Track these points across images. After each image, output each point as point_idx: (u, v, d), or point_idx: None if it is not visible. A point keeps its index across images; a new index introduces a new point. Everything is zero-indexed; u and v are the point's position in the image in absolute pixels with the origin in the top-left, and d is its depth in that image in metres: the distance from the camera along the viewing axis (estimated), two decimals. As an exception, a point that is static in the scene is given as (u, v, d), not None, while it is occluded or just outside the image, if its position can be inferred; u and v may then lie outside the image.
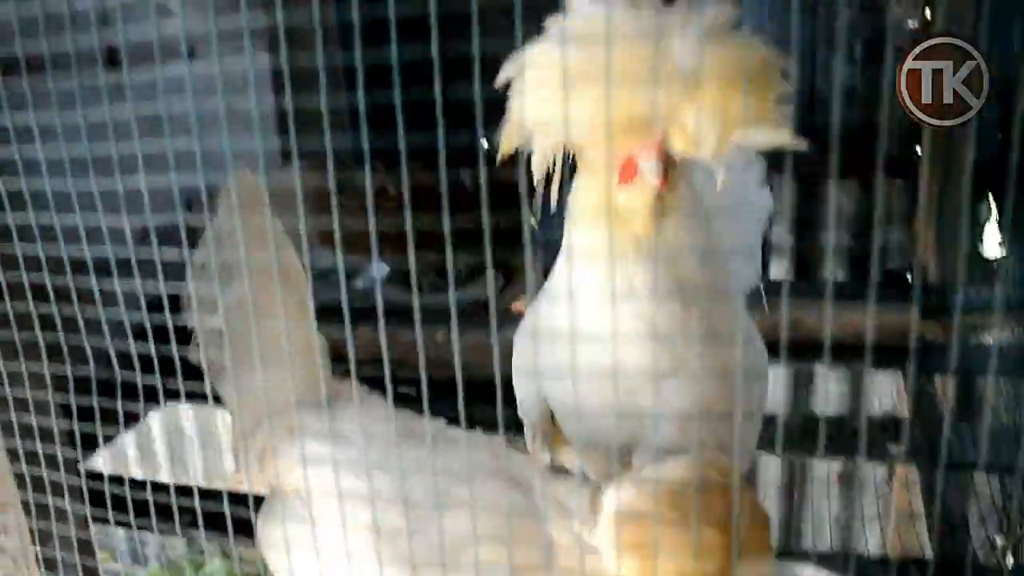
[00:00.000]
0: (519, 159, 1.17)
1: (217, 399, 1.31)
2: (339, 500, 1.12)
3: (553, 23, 1.09)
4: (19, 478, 1.44)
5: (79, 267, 1.30)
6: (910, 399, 2.07)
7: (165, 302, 1.29)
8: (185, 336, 1.28)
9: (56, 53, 1.19)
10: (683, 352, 1.11)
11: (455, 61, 1.01)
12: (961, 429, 1.97)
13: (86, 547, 1.48)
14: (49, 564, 1.47)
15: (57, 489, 1.41)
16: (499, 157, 1.19)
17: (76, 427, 1.36)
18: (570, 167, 1.25)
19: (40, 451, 1.40)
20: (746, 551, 0.98)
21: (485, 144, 1.22)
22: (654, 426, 1.12)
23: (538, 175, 1.18)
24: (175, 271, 1.27)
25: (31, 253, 1.33)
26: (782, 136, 1.05)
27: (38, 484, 1.41)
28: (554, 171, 1.18)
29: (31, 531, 1.46)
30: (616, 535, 1.01)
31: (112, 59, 1.22)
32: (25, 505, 1.44)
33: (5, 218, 1.32)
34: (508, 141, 1.17)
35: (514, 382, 1.41)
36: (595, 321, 1.07)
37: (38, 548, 1.46)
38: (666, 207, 1.13)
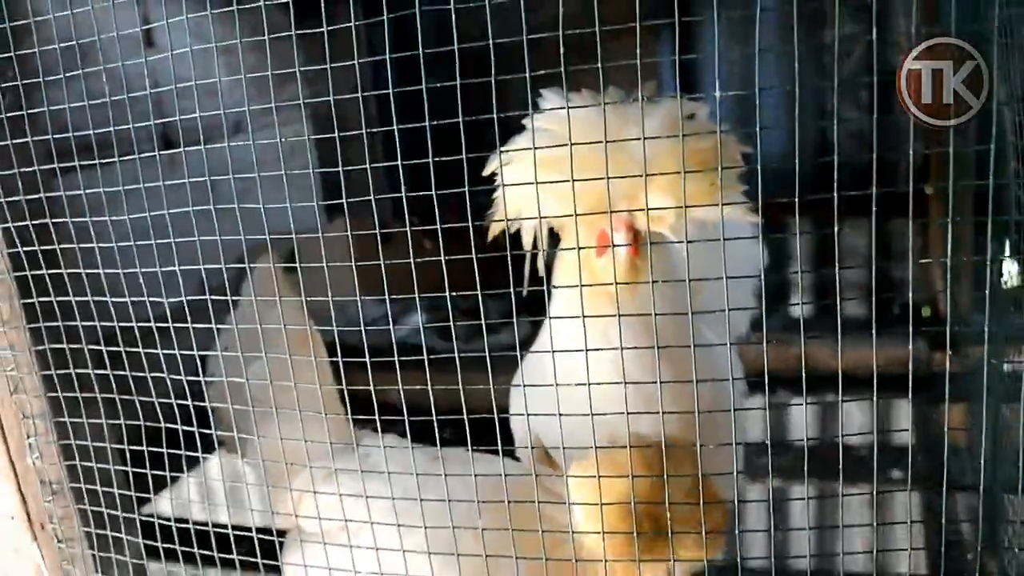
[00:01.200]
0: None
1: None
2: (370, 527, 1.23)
3: (527, 120, 1.25)
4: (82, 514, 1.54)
5: (133, 330, 1.38)
6: (917, 427, 2.08)
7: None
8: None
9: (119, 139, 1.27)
10: (655, 394, 1.16)
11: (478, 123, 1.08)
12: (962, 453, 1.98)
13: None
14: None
15: (115, 524, 1.51)
16: (489, 236, 1.30)
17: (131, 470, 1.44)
18: (554, 239, 1.37)
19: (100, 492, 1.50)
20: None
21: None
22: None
23: (526, 246, 1.37)
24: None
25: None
26: (734, 212, 1.17)
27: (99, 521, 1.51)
28: (538, 245, 1.38)
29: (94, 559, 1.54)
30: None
31: (167, 142, 1.30)
32: (88, 536, 1.55)
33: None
34: (496, 223, 1.35)
35: (511, 425, 1.53)
36: (577, 371, 1.15)
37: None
38: (639, 273, 1.29)
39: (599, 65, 1.03)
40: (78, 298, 1.40)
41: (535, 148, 1.09)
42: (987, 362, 1.38)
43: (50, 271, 1.40)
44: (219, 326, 1.46)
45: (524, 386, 1.22)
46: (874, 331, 1.03)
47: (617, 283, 1.18)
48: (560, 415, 1.14)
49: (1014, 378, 1.39)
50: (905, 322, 1.11)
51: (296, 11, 1.11)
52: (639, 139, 1.06)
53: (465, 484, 1.22)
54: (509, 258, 1.14)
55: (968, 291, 2.39)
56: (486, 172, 1.29)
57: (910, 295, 1.14)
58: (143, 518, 1.49)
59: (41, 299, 1.43)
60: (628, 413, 1.13)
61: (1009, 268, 1.54)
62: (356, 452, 1.40)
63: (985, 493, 1.42)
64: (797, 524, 2.10)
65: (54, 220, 1.38)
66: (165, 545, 1.46)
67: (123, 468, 1.48)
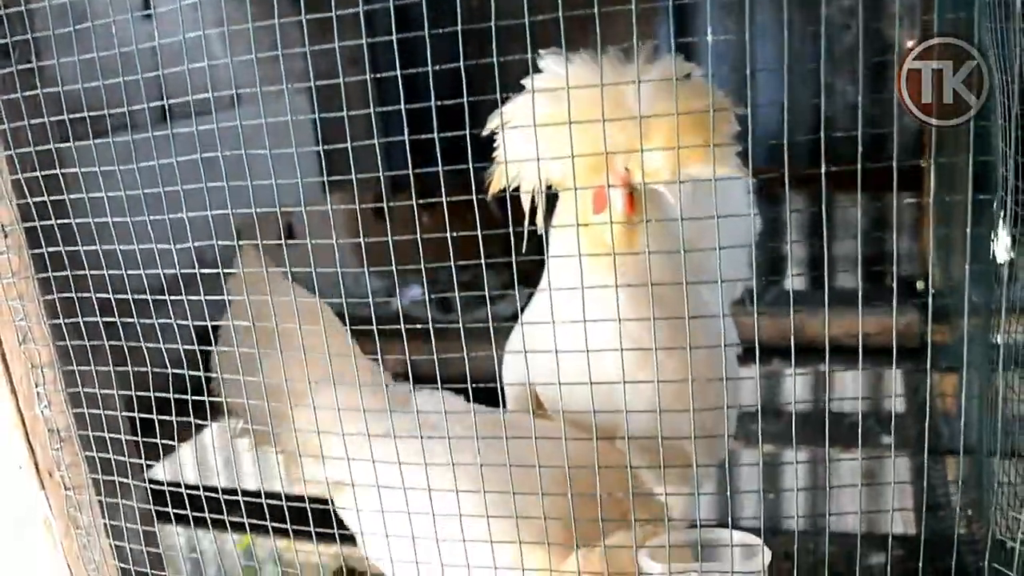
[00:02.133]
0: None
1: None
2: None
3: (527, 80, 1.26)
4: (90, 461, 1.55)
5: (140, 292, 1.39)
6: (909, 395, 2.10)
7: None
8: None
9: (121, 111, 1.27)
10: (651, 350, 1.21)
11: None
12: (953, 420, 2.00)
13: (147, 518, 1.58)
14: (116, 534, 1.57)
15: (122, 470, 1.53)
16: (488, 194, 1.31)
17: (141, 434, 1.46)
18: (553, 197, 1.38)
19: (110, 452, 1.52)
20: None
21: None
22: (626, 416, 1.20)
23: (525, 204, 1.37)
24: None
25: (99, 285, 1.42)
26: (728, 169, 1.18)
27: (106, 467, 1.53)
28: (537, 203, 1.37)
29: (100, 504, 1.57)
30: None
31: (164, 114, 1.30)
32: (95, 483, 1.56)
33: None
34: (496, 181, 1.36)
35: (504, 374, 1.60)
36: (574, 325, 1.16)
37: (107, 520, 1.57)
38: (635, 228, 1.30)
39: (598, 32, 1.02)
40: (86, 247, 1.41)
41: (534, 93, 1.12)
42: (966, 332, 1.39)
43: (59, 221, 1.41)
44: (218, 324, 1.48)
45: (524, 349, 1.22)
46: (860, 302, 1.04)
47: (614, 251, 1.20)
48: (559, 383, 1.16)
49: (1007, 349, 1.39)
50: (901, 294, 1.13)
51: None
52: (634, 82, 1.10)
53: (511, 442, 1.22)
54: (512, 230, 1.13)
55: (960, 264, 2.39)
56: (486, 131, 1.30)
57: (895, 268, 1.14)
58: (148, 467, 1.52)
59: (50, 249, 1.43)
60: (624, 381, 1.13)
61: (998, 243, 1.54)
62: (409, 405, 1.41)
63: (971, 457, 1.43)
64: (789, 487, 2.11)
65: (63, 171, 1.38)
66: (172, 492, 1.49)
67: (130, 414, 1.50)
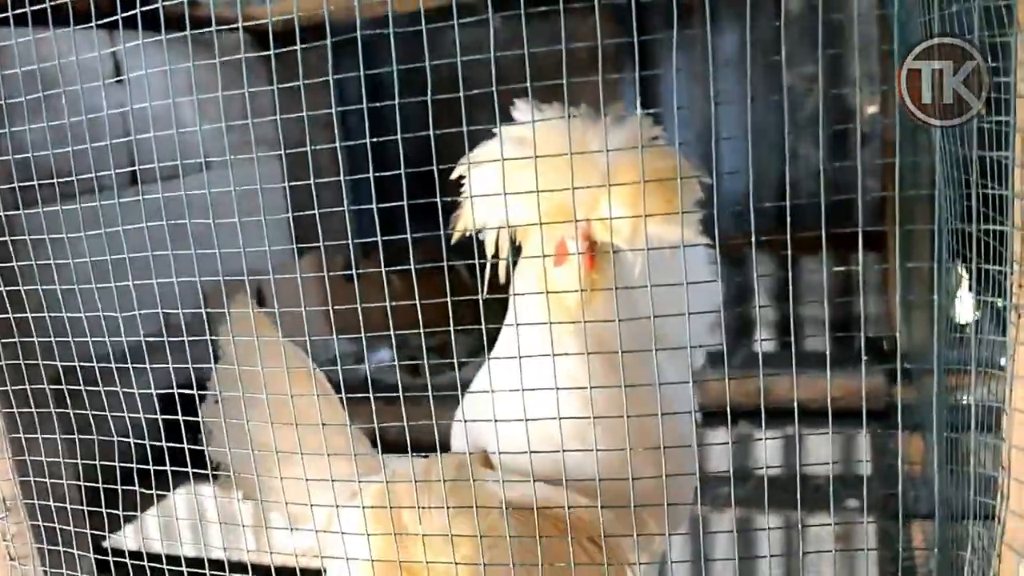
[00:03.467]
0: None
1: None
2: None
3: (497, 129, 1.22)
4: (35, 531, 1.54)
5: (101, 359, 1.36)
6: (875, 457, 2.10)
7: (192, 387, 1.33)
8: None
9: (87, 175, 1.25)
10: (606, 407, 1.22)
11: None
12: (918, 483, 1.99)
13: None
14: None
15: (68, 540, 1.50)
16: (453, 238, 1.30)
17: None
18: (516, 250, 1.37)
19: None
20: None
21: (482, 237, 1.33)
22: (579, 470, 1.21)
23: (488, 252, 1.36)
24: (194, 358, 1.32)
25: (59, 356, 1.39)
26: (690, 233, 1.18)
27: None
28: (498, 253, 1.36)
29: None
30: None
31: (134, 179, 1.29)
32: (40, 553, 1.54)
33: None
34: (461, 225, 1.34)
35: (453, 436, 1.59)
36: (530, 382, 1.17)
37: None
38: (595, 286, 1.29)
39: (563, 82, 1.02)
40: (35, 314, 1.39)
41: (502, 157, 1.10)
42: (936, 394, 1.38)
43: (7, 288, 1.39)
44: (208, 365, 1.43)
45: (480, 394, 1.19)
46: (828, 366, 1.03)
47: (576, 297, 1.23)
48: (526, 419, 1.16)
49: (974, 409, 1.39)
50: (868, 356, 1.13)
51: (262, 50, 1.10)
52: (602, 151, 1.09)
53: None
54: (481, 296, 1.13)
55: (925, 327, 2.41)
56: (453, 176, 1.30)
57: (862, 332, 1.13)
58: (102, 538, 1.47)
59: None
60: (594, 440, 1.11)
61: (961, 306, 1.55)
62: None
63: (940, 520, 1.42)
64: (760, 552, 2.09)
65: (13, 239, 1.37)
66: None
67: (76, 483, 1.47)
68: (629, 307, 1.19)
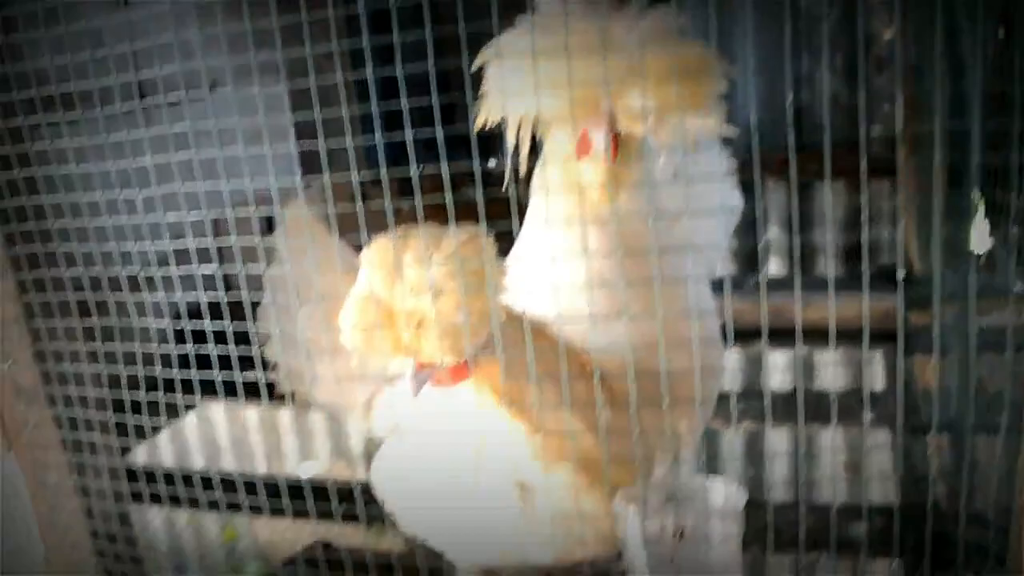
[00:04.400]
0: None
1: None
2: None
3: (522, 18, 1.20)
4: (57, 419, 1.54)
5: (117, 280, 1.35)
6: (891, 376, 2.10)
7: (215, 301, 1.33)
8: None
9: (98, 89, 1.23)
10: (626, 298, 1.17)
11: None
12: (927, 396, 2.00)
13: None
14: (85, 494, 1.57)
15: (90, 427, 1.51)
16: (477, 126, 1.28)
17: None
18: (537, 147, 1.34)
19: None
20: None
21: (491, 164, 1.30)
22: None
23: (511, 142, 1.29)
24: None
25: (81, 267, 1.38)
26: (713, 123, 1.17)
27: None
28: (520, 143, 1.29)
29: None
30: None
31: (142, 93, 1.27)
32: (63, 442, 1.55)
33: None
34: (484, 114, 1.28)
35: None
36: (552, 277, 1.14)
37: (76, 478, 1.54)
38: (620, 182, 1.24)
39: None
40: (51, 196, 1.36)
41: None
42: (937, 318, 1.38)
43: (23, 173, 1.36)
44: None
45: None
46: (831, 289, 1.02)
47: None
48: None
49: (985, 332, 1.39)
50: (880, 281, 1.12)
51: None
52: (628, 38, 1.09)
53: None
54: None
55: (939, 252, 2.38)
56: (476, 65, 1.24)
57: (865, 257, 1.12)
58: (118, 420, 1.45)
59: (14, 200, 1.39)
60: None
61: (975, 233, 1.53)
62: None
63: (950, 434, 1.42)
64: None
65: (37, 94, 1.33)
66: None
67: (96, 369, 1.43)
68: (651, 208, 1.17)
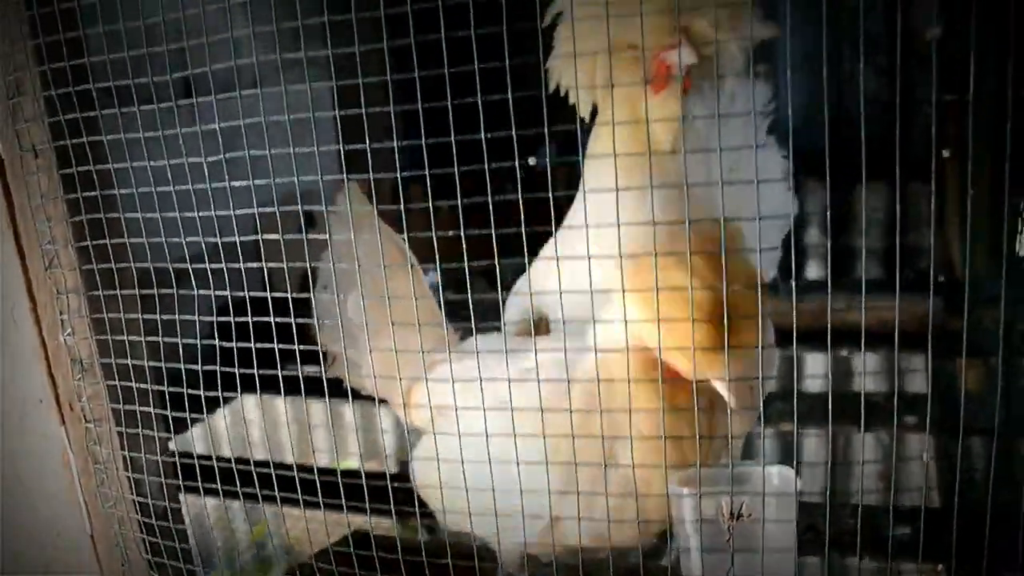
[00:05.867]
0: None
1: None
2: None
3: None
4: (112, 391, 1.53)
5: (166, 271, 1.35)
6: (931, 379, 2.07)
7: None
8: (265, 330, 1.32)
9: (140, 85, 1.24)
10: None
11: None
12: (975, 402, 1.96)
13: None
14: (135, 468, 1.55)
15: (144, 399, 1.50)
16: (550, 87, 1.33)
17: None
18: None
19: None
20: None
21: (531, 161, 1.29)
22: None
23: (586, 81, 1.31)
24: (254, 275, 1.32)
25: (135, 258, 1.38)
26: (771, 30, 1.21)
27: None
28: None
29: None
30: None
31: (188, 90, 1.27)
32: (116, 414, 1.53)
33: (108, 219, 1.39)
34: (556, 71, 1.34)
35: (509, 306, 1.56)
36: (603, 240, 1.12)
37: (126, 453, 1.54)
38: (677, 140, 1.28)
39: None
40: (117, 165, 1.35)
41: None
42: (967, 319, 1.36)
43: (90, 138, 1.35)
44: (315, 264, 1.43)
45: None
46: (863, 293, 1.00)
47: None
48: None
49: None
50: (921, 285, 1.13)
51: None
52: None
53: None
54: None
55: (983, 257, 2.33)
56: (548, 17, 1.28)
57: (898, 260, 1.09)
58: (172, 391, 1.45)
59: (80, 168, 1.38)
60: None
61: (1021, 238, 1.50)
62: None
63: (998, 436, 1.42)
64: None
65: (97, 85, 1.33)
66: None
67: (153, 339, 1.42)
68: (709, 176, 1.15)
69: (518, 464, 1.20)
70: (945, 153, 2.22)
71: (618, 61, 1.23)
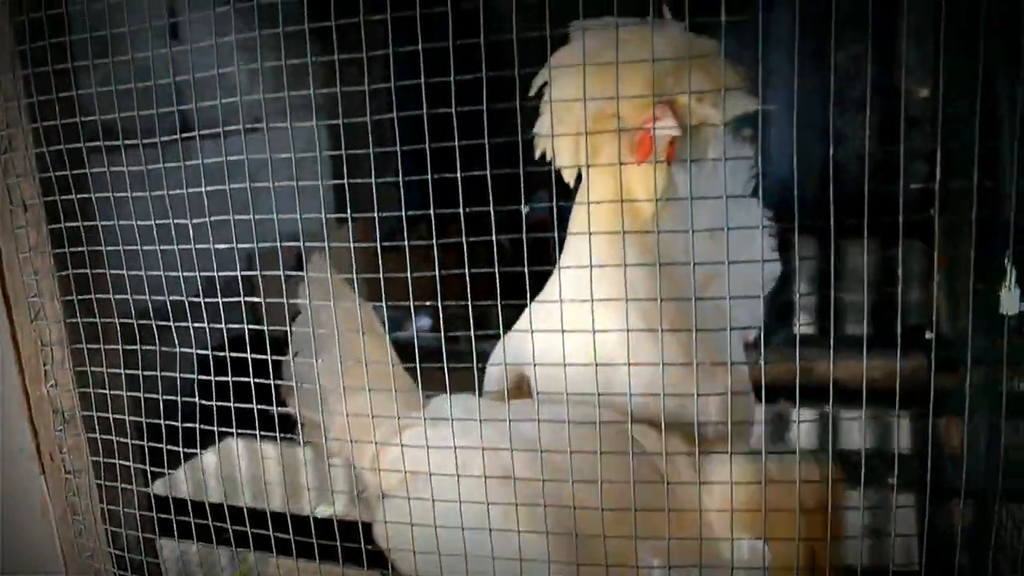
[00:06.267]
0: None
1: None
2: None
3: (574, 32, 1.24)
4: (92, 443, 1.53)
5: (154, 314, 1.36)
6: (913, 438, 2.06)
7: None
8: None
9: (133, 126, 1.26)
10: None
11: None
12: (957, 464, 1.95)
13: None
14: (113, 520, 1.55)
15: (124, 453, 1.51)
16: (536, 153, 1.34)
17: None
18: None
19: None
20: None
21: (526, 210, 1.30)
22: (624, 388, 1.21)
23: (569, 156, 1.33)
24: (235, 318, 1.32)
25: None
26: (750, 103, 1.23)
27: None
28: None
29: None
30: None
31: (184, 129, 1.29)
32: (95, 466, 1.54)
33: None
34: (541, 142, 1.34)
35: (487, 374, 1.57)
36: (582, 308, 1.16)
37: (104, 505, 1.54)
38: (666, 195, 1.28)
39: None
40: (104, 222, 1.38)
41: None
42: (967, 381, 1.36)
43: (79, 195, 1.38)
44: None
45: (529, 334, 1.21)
46: (864, 349, 1.01)
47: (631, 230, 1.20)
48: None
49: (1012, 397, 1.36)
50: (909, 342, 1.13)
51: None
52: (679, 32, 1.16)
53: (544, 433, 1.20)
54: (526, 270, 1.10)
55: (967, 314, 2.34)
56: (534, 87, 1.29)
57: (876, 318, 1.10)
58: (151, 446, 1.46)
59: (68, 224, 1.41)
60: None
61: (1006, 296, 1.51)
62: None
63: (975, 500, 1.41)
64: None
65: (87, 144, 1.36)
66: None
67: (134, 394, 1.44)
68: (685, 269, 1.16)
69: (490, 531, 1.20)
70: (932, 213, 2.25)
71: (601, 134, 1.26)
